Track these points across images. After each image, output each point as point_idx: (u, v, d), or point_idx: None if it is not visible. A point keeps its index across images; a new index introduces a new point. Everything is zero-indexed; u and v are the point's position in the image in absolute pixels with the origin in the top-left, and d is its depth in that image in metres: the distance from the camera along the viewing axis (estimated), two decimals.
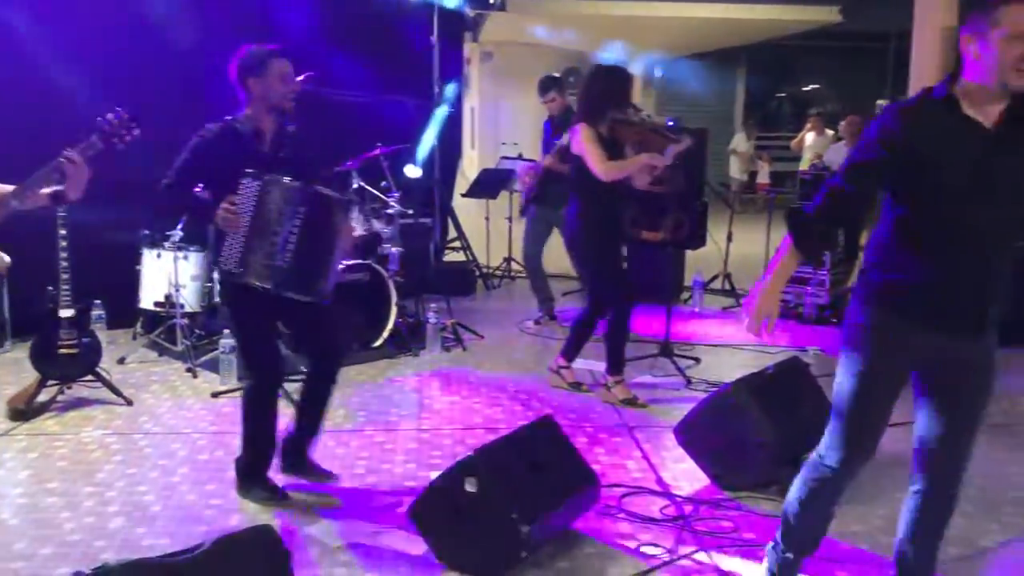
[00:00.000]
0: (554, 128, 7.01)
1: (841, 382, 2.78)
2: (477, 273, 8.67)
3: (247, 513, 3.75)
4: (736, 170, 16.51)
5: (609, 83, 5.07)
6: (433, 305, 6.52)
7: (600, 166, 4.93)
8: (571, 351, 5.50)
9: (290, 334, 4.50)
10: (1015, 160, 2.52)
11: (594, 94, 5.07)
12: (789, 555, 3.01)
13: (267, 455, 3.90)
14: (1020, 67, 2.40)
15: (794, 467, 3.87)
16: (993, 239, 2.57)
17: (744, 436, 3.95)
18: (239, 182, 3.59)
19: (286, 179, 3.60)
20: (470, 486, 3.22)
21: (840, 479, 2.85)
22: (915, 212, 2.61)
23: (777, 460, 3.92)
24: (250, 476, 3.90)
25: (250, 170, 3.59)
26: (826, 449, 2.84)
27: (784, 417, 3.98)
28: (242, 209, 3.57)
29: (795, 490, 2.95)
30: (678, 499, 3.93)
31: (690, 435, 4.16)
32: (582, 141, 4.98)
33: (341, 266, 5.85)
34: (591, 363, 5.92)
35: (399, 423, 4.93)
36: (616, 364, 5.30)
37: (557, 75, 7.57)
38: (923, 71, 8.07)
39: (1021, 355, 6.48)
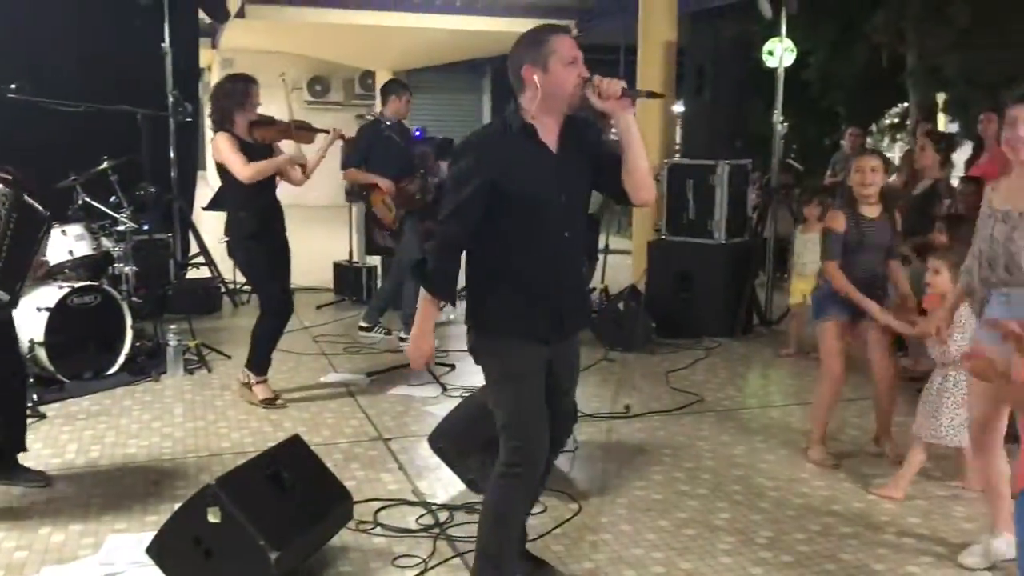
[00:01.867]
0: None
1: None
2: (223, 290, 8.30)
3: None
4: None
5: (230, 90, 5.16)
6: (173, 326, 6.16)
7: (242, 170, 5.03)
8: (263, 362, 5.42)
9: None
10: (572, 174, 2.93)
11: (219, 103, 5.15)
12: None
13: None
14: (577, 88, 2.77)
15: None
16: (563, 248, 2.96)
17: (494, 439, 4.01)
18: None
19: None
20: (213, 516, 3.06)
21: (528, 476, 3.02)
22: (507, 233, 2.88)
23: None
24: None
25: None
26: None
27: None
28: None
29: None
30: (434, 507, 3.93)
31: (443, 442, 4.18)
32: (221, 150, 5.07)
33: (65, 289, 5.46)
34: (348, 376, 5.84)
35: (137, 454, 4.62)
36: (259, 364, 5.35)
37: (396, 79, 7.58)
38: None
39: (733, 343, 7.10)
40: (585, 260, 3.03)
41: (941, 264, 4.10)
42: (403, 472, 4.38)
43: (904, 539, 3.75)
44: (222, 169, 5.15)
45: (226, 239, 5.32)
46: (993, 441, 3.48)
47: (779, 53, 7.91)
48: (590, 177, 2.98)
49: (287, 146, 5.40)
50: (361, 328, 7.00)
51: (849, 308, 4.43)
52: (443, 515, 3.86)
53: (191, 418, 5.17)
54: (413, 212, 6.66)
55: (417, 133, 8.61)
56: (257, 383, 5.35)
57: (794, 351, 6.68)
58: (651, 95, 3.03)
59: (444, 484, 4.18)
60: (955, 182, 6.92)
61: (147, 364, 5.95)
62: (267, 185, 5.20)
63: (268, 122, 5.27)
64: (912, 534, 3.79)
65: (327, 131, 5.64)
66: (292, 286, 5.61)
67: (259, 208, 5.18)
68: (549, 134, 2.88)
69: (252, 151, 5.13)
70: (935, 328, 3.81)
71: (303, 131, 5.45)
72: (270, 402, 5.30)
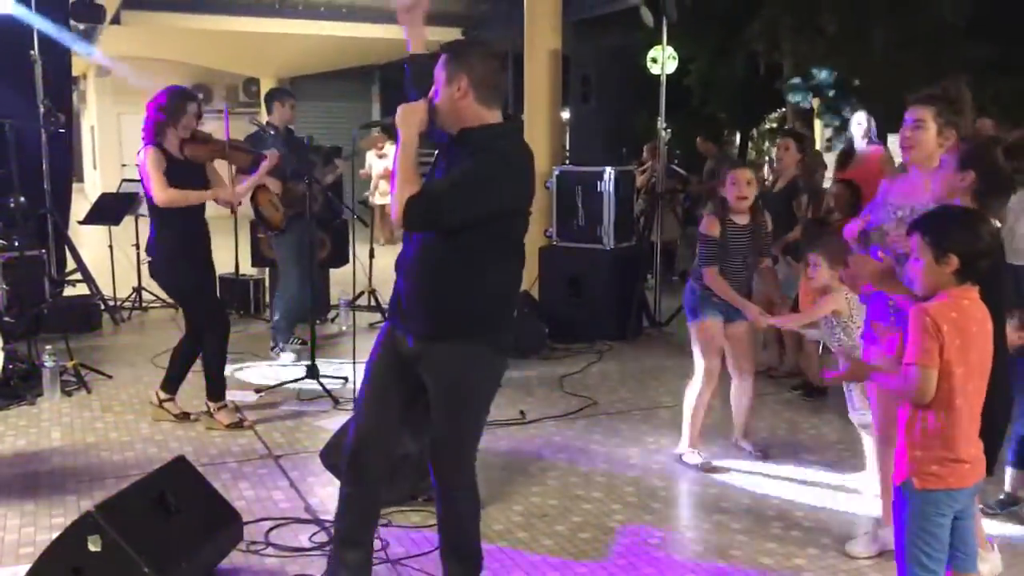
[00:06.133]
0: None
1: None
2: (102, 307, 7.98)
3: None
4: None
5: (164, 104, 4.95)
6: (49, 347, 5.89)
7: (160, 193, 4.84)
8: (172, 383, 5.26)
9: None
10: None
11: (152, 116, 4.94)
12: None
13: None
14: None
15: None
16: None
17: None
18: None
19: None
20: (93, 545, 2.93)
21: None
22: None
23: (421, 471, 3.98)
24: None
25: None
26: None
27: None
28: None
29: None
30: (327, 525, 3.86)
31: (335, 457, 4.10)
32: (147, 166, 4.87)
33: None
34: (236, 393, 5.68)
35: (12, 482, 4.38)
36: (216, 390, 5.18)
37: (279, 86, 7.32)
38: (536, 89, 8.69)
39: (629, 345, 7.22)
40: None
41: (819, 257, 4.27)
42: (295, 489, 4.29)
43: (792, 532, 3.88)
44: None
45: (148, 259, 5.11)
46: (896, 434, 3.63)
47: (662, 60, 8.10)
48: None
49: (220, 166, 5.22)
50: (273, 350, 6.80)
51: (724, 309, 4.55)
52: None
53: (70, 442, 4.95)
54: (301, 215, 6.54)
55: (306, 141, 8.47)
56: (219, 408, 5.15)
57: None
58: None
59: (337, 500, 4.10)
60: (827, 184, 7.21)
61: (22, 387, 5.67)
62: (197, 204, 5.01)
63: (202, 140, 5.05)
64: (799, 527, 3.92)
65: (264, 155, 5.42)
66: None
67: (185, 227, 4.95)
68: None
69: (181, 168, 4.91)
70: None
71: (238, 152, 5.28)
72: (237, 425, 5.13)
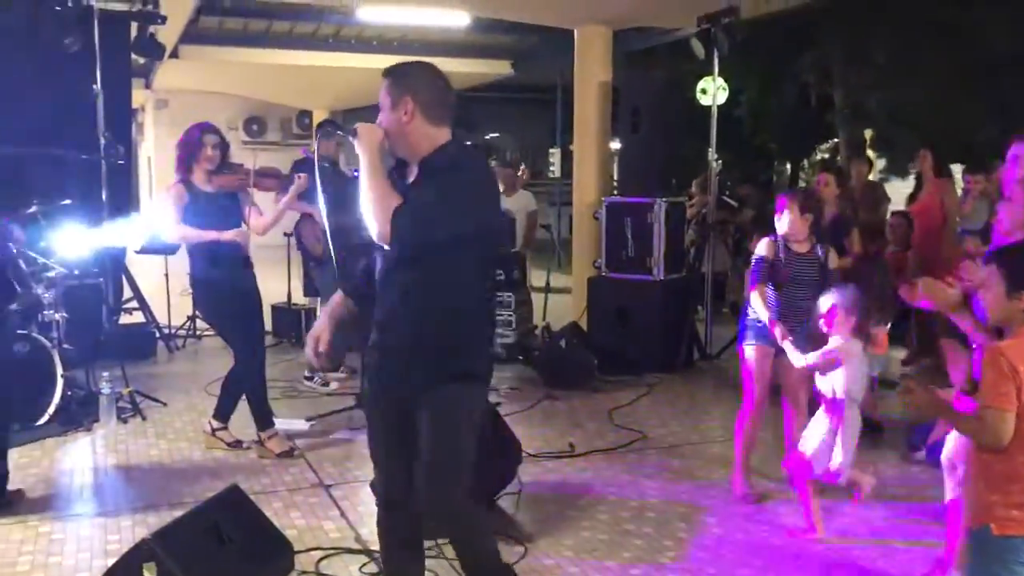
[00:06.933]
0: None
1: None
2: (157, 335, 8.12)
3: None
4: None
5: (184, 141, 5.09)
6: (106, 374, 6.00)
7: (170, 230, 5.04)
8: (224, 411, 5.31)
9: None
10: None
11: (177, 154, 5.10)
12: None
13: None
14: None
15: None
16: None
17: None
18: None
19: None
20: (149, 572, 2.97)
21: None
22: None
23: (477, 496, 3.97)
24: None
25: None
26: None
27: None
28: None
29: None
30: (376, 555, 3.85)
31: None
32: (165, 202, 5.04)
33: None
34: (288, 422, 5.73)
35: (69, 507, 4.46)
36: (262, 419, 5.22)
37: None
38: (586, 120, 8.73)
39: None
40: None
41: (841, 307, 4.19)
42: (345, 519, 4.30)
43: (847, 573, 3.79)
44: None
45: (190, 290, 5.25)
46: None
47: (712, 91, 8.09)
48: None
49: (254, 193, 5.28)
50: (311, 379, 6.87)
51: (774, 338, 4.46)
52: None
53: (125, 468, 5.02)
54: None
55: (355, 173, 8.57)
56: (269, 437, 5.18)
57: None
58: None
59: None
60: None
61: (79, 413, 5.77)
62: (228, 230, 5.05)
63: (228, 170, 5.12)
64: (854, 567, 3.83)
65: (293, 178, 5.32)
66: None
67: (218, 256, 5.03)
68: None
69: (211, 200, 5.01)
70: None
71: (267, 178, 5.29)
72: (287, 454, 5.15)
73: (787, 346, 4.23)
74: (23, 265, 5.66)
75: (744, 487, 4.57)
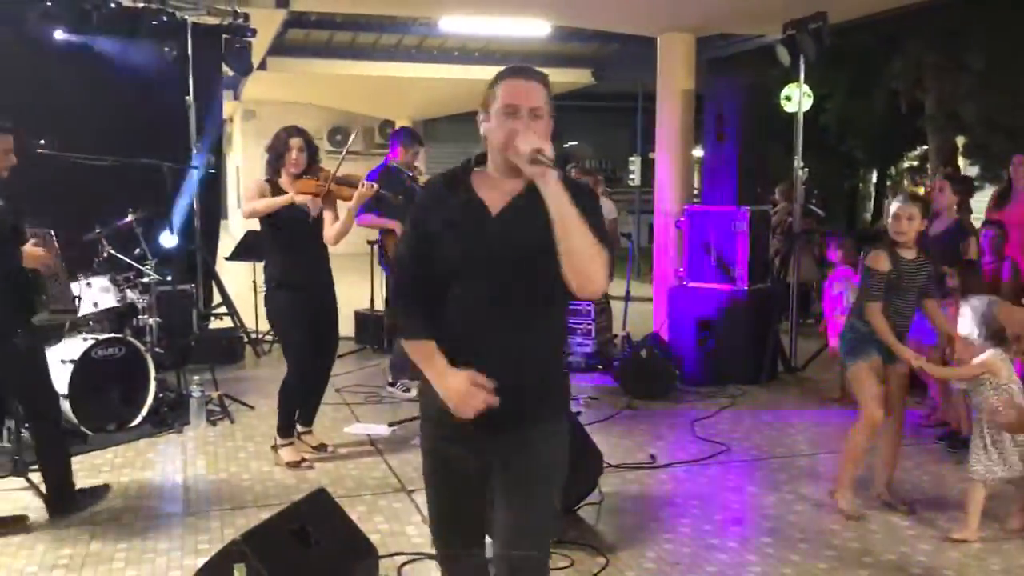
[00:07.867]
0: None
1: None
2: (245, 340, 8.32)
3: None
4: None
5: (274, 143, 5.15)
6: (196, 377, 6.16)
7: (244, 207, 5.18)
8: (307, 415, 5.39)
9: None
10: (512, 240, 2.32)
11: (268, 155, 5.18)
12: None
13: None
14: (513, 140, 2.24)
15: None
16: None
17: None
18: None
19: None
20: (239, 573, 3.03)
21: None
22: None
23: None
24: None
25: None
26: None
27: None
28: None
29: None
30: None
31: None
32: (247, 188, 5.18)
33: (90, 342, 5.48)
34: (370, 427, 5.80)
35: (161, 507, 4.60)
36: (284, 427, 5.22)
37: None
38: (668, 129, 8.66)
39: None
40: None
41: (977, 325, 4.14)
42: (427, 525, 4.32)
43: None
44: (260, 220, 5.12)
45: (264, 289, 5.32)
46: None
47: (797, 98, 7.94)
48: (551, 251, 2.20)
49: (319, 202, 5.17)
50: (394, 386, 6.94)
51: (883, 350, 4.38)
52: None
53: (214, 470, 5.15)
54: None
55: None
56: (283, 444, 5.21)
57: (840, 396, 6.59)
58: (565, 169, 2.57)
59: None
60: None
61: (170, 415, 5.95)
62: (298, 233, 5.03)
63: (310, 175, 5.09)
64: None
65: (364, 186, 5.14)
66: None
67: (284, 259, 5.07)
68: (493, 190, 2.37)
69: (291, 205, 4.98)
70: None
71: (343, 186, 5.12)
72: (296, 465, 5.14)
73: (928, 366, 4.37)
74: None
75: (850, 504, 4.47)
